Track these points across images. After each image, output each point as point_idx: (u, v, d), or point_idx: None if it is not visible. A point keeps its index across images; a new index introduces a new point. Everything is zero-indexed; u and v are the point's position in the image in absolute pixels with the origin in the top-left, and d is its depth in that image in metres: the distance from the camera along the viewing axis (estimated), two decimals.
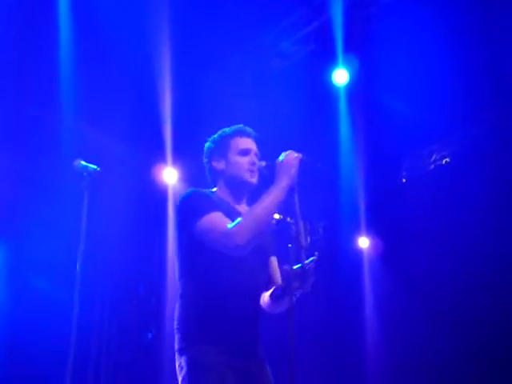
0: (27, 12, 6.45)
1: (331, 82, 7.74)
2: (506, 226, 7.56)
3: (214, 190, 3.97)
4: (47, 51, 6.74)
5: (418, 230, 8.46)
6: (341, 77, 7.68)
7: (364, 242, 9.37)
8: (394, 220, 8.73)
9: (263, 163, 3.83)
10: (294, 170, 3.58)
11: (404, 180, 8.72)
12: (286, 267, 3.48)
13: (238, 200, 3.92)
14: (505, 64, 6.88)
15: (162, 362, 8.28)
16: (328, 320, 8.60)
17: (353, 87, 7.74)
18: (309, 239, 3.54)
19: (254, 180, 3.87)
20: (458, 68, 6.97)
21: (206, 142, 4.09)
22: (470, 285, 7.79)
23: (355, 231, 9.25)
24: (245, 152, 3.91)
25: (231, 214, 3.67)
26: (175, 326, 3.70)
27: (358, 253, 9.32)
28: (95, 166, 3.93)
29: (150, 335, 8.67)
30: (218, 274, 3.63)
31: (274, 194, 3.56)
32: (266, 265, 3.87)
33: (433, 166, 8.33)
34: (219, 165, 3.96)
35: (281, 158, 3.65)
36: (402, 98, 7.46)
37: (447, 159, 8.19)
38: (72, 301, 3.65)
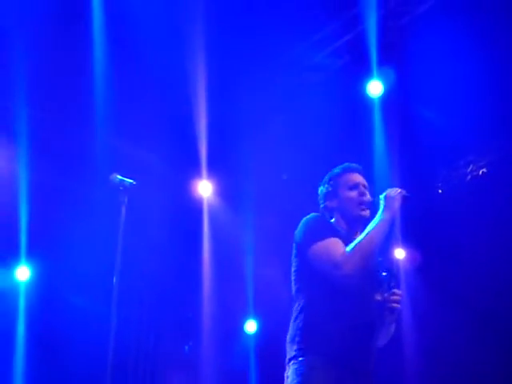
0: (63, 28, 6.52)
1: (366, 93, 7.72)
2: None
3: (333, 220, 4.11)
4: (82, 67, 6.81)
5: (454, 242, 8.38)
6: (375, 88, 7.65)
7: (400, 254, 9.31)
8: (429, 231, 8.66)
9: (371, 198, 4.03)
10: (397, 204, 3.81)
11: (440, 191, 8.64)
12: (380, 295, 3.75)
13: (352, 234, 3.98)
14: None
15: (199, 375, 8.30)
16: None
17: (387, 99, 7.71)
18: (397, 270, 3.89)
19: (366, 213, 4.02)
20: (494, 77, 6.91)
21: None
22: (507, 295, 7.71)
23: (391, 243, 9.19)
24: (354, 186, 4.09)
25: (348, 242, 3.75)
26: (289, 339, 3.77)
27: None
28: (131, 180, 3.96)
29: (187, 348, 8.68)
30: (333, 299, 3.70)
31: (379, 226, 3.73)
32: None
33: (469, 176, 8.26)
34: (332, 203, 4.13)
35: (386, 192, 3.87)
36: (437, 108, 7.42)
37: (484, 170, 8.11)
38: (109, 315, 3.67)
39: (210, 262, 8.59)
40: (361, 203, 4.01)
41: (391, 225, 3.75)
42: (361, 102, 7.75)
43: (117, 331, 3.63)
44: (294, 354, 3.66)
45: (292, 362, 3.65)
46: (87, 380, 6.83)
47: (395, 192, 3.84)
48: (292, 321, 3.80)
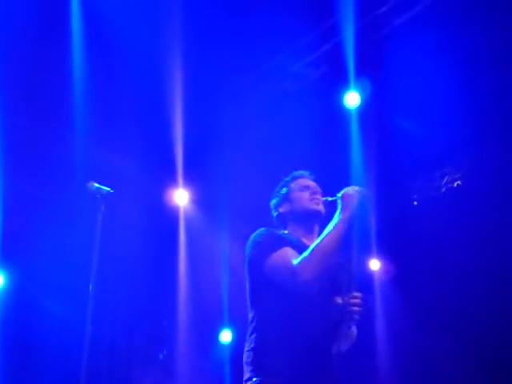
0: (40, 32, 6.50)
1: (343, 104, 7.75)
2: None
3: (285, 231, 4.02)
4: (61, 72, 6.78)
5: (429, 253, 8.43)
6: (352, 99, 7.69)
7: (375, 265, 9.34)
8: (404, 242, 8.70)
9: (328, 198, 3.90)
10: (355, 203, 3.68)
11: (415, 203, 8.69)
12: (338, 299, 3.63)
13: (310, 234, 3.95)
14: None
15: (174, 382, 8.28)
16: None
17: (364, 109, 7.75)
18: (357, 273, 3.71)
19: (320, 207, 3.95)
20: (471, 90, 6.97)
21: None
22: (482, 307, 7.75)
23: (366, 254, 9.22)
24: (305, 187, 4.06)
25: (301, 249, 3.66)
26: (244, 359, 3.71)
27: (368, 275, 9.29)
28: (108, 188, 3.94)
29: (161, 356, 8.65)
30: (288, 311, 3.62)
31: (337, 226, 3.62)
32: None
33: (444, 188, 8.31)
34: (285, 208, 4.07)
35: (343, 191, 3.76)
36: (414, 120, 7.46)
37: (459, 182, 8.16)
38: (84, 322, 3.65)
39: (185, 270, 8.58)
40: (313, 199, 3.96)
41: (350, 224, 3.64)
42: (338, 112, 7.79)
43: (91, 338, 3.61)
44: (249, 375, 3.61)
45: (248, 382, 3.60)
46: None
47: (353, 190, 3.74)
48: (246, 341, 3.74)
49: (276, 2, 6.71)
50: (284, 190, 4.12)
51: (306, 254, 3.55)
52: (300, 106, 7.66)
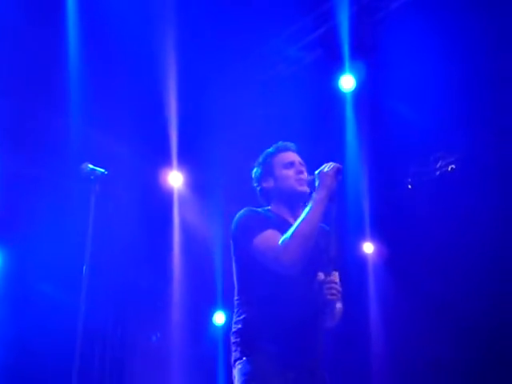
0: (37, 13, 6.47)
1: (338, 87, 7.75)
2: (510, 232, 7.56)
3: (269, 208, 4.01)
4: (56, 55, 6.76)
5: (422, 236, 8.46)
6: (347, 83, 7.69)
7: (369, 248, 9.37)
8: (398, 226, 8.73)
9: (310, 177, 3.85)
10: (331, 181, 3.65)
11: (410, 186, 8.71)
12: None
13: (294, 213, 3.92)
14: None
15: (168, 364, 8.31)
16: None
17: (359, 93, 7.74)
18: (335, 251, 3.64)
19: (304, 188, 3.89)
20: (466, 75, 6.97)
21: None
22: (475, 290, 7.79)
23: (360, 237, 9.25)
24: (290, 165, 3.99)
25: (286, 229, 3.65)
26: (232, 340, 3.72)
27: (362, 258, 9.32)
28: (103, 170, 3.94)
29: (154, 338, 8.68)
30: (274, 291, 3.65)
31: (314, 206, 3.61)
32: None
33: (438, 172, 8.33)
34: (269, 184, 4.03)
35: (319, 169, 3.73)
36: (409, 104, 7.46)
37: (453, 166, 8.18)
38: (78, 304, 3.66)
39: (179, 252, 8.59)
40: (298, 180, 3.91)
41: (328, 201, 3.63)
42: (333, 96, 7.79)
43: (85, 320, 3.62)
44: (238, 355, 3.63)
45: (237, 362, 3.62)
46: (53, 369, 6.80)
47: (329, 167, 3.69)
48: (233, 322, 3.76)
49: None
50: (268, 162, 4.06)
51: (287, 236, 3.55)
52: (295, 89, 7.64)
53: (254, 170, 4.14)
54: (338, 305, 3.60)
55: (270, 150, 4.12)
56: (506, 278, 7.57)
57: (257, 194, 4.13)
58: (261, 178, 4.07)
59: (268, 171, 4.03)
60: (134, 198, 7.96)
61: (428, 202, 8.46)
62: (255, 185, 4.12)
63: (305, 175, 3.93)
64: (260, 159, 4.13)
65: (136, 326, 8.59)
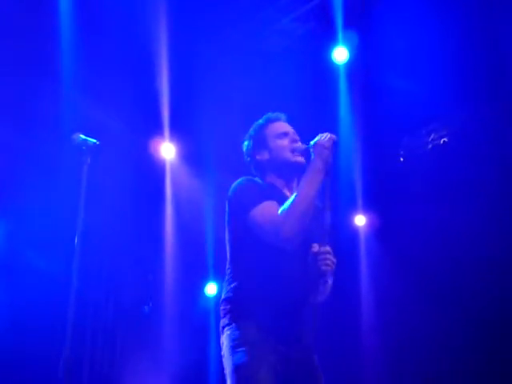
0: None
1: (331, 59, 7.72)
2: (504, 206, 7.57)
3: (263, 180, 3.95)
4: (47, 23, 6.71)
5: (414, 209, 8.47)
6: (340, 54, 7.65)
7: (360, 220, 9.38)
8: (390, 198, 8.74)
9: (303, 146, 3.79)
10: (327, 152, 3.58)
11: (402, 159, 8.71)
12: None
13: (290, 184, 3.90)
14: (508, 44, 6.85)
15: (160, 335, 8.34)
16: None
17: (352, 65, 7.72)
18: (330, 221, 3.59)
19: (300, 159, 3.83)
20: (460, 46, 6.94)
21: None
22: (467, 265, 7.81)
23: (352, 209, 9.26)
24: (283, 135, 3.93)
25: (283, 201, 3.61)
26: (222, 307, 3.74)
27: (354, 231, 9.34)
28: (94, 140, 3.91)
29: (146, 308, 8.69)
30: (268, 263, 3.63)
31: (310, 178, 3.56)
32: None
33: (431, 145, 8.32)
34: (263, 156, 3.96)
35: (315, 139, 3.66)
36: (402, 76, 7.44)
37: (445, 139, 8.17)
38: (70, 276, 3.65)
39: (171, 224, 8.58)
40: (293, 150, 3.84)
41: (325, 173, 3.56)
42: (326, 67, 7.76)
43: (77, 292, 3.61)
44: (227, 322, 3.65)
45: (226, 328, 3.64)
46: (45, 341, 6.80)
47: (325, 137, 3.62)
48: (224, 289, 3.76)
49: None
50: (260, 134, 4.00)
51: (285, 208, 3.51)
52: (287, 61, 7.62)
53: (246, 143, 4.08)
54: (329, 281, 3.60)
55: (261, 121, 4.06)
56: (505, 251, 7.57)
57: (250, 167, 4.06)
58: (254, 151, 4.00)
59: (261, 143, 3.97)
60: (127, 170, 7.93)
61: (420, 174, 8.47)
62: (248, 159, 4.06)
63: (299, 144, 3.86)
64: (251, 132, 4.07)
65: (128, 298, 8.59)
